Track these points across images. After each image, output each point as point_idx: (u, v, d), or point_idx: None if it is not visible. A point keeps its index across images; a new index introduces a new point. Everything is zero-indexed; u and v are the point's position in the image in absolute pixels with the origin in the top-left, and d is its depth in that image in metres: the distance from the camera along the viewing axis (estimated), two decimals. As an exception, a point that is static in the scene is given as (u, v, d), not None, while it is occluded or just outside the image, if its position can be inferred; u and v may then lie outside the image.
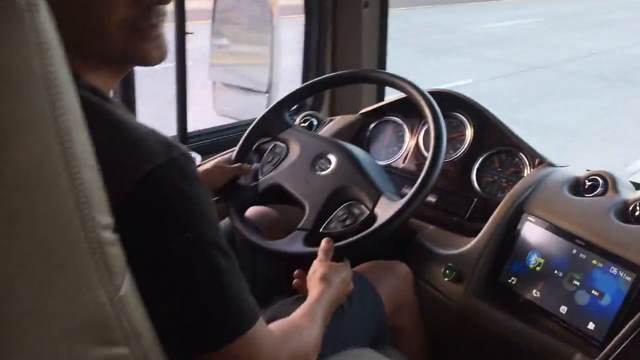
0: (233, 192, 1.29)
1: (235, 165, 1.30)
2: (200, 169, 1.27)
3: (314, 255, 1.06)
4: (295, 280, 1.08)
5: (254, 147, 1.40)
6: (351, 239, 1.10)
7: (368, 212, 1.15)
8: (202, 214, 0.67)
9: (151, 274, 0.63)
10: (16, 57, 0.47)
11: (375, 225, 1.11)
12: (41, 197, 0.51)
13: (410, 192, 1.12)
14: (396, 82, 1.29)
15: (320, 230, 1.17)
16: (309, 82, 1.46)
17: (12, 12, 0.47)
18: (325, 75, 1.46)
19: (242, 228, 1.21)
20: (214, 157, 1.55)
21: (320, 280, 0.98)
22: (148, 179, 0.63)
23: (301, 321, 0.87)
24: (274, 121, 1.37)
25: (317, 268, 1.01)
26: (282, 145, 1.33)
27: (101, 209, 0.57)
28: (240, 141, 1.36)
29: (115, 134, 0.64)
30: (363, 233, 1.10)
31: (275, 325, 0.81)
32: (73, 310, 0.56)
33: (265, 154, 1.35)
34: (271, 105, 1.41)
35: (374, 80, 1.53)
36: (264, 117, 1.38)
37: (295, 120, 1.69)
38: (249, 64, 1.96)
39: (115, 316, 0.59)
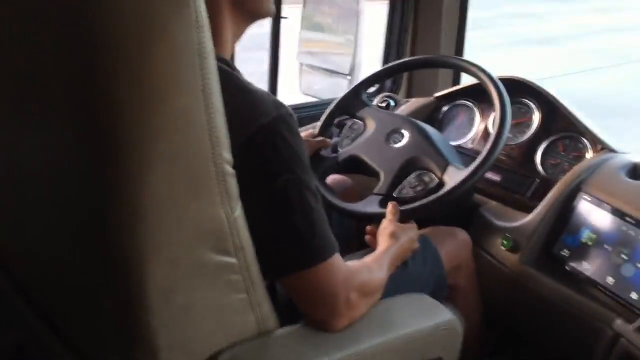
0: (316, 162, 1.44)
1: (319, 138, 1.47)
2: None
3: (405, 216, 1.22)
4: (367, 236, 1.24)
5: (335, 122, 1.56)
6: (420, 202, 1.25)
7: (437, 179, 1.29)
8: (300, 160, 0.84)
9: (257, 202, 0.81)
10: (181, 33, 0.65)
11: (442, 191, 1.25)
12: (188, 135, 0.69)
13: (475, 162, 1.25)
14: (468, 67, 1.42)
15: (394, 194, 1.31)
16: (385, 66, 1.61)
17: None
18: (400, 60, 1.61)
19: (325, 191, 1.38)
20: (300, 129, 1.73)
21: (389, 235, 1.14)
22: (263, 128, 0.81)
23: (370, 263, 1.03)
24: (354, 101, 1.53)
25: (386, 225, 1.17)
26: (360, 122, 1.49)
27: (225, 147, 0.75)
28: (323, 117, 1.53)
29: (239, 93, 0.83)
30: (431, 197, 1.25)
31: (349, 263, 0.97)
32: (202, 222, 0.74)
33: (345, 129, 1.51)
34: (352, 87, 1.56)
35: (447, 65, 1.64)
36: (344, 97, 1.54)
37: (374, 101, 1.84)
38: (334, 52, 2.12)
39: (229, 232, 0.77)
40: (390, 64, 1.60)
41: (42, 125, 0.74)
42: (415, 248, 1.19)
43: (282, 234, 0.84)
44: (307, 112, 1.97)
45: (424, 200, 1.25)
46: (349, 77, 2.07)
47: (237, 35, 0.96)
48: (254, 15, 0.96)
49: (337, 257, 0.89)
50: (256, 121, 0.82)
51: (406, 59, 1.62)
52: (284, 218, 0.84)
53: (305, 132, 1.50)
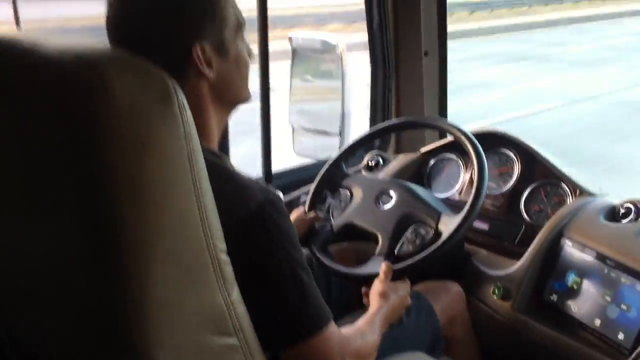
0: (313, 236, 1.51)
1: (311, 214, 1.55)
2: None
3: (397, 274, 1.27)
4: (364, 298, 1.31)
5: (322, 196, 1.63)
6: (423, 254, 1.30)
7: (433, 230, 1.36)
8: (289, 238, 0.92)
9: (251, 282, 0.88)
10: (170, 141, 0.74)
11: (442, 239, 1.31)
12: (184, 233, 0.77)
13: (465, 207, 1.32)
14: (442, 126, 1.52)
15: (395, 252, 1.37)
16: (361, 135, 1.69)
17: (170, 112, 0.73)
18: (375, 128, 1.70)
19: (327, 260, 1.43)
20: (293, 193, 1.82)
21: (379, 295, 1.21)
22: (252, 214, 0.89)
23: (363, 327, 1.10)
24: (336, 172, 1.62)
25: (377, 286, 1.24)
26: (346, 191, 1.57)
27: (219, 238, 0.82)
28: (309, 194, 1.61)
29: (227, 182, 0.91)
30: (432, 247, 1.31)
31: (343, 330, 1.04)
32: (202, 308, 0.81)
33: (332, 201, 1.59)
34: (330, 161, 1.64)
35: (424, 126, 1.73)
36: (327, 171, 1.62)
37: (364, 159, 1.94)
38: (322, 112, 2.22)
39: (228, 314, 0.84)
40: (365, 133, 1.69)
41: (50, 221, 0.82)
42: (408, 304, 1.25)
43: (277, 309, 0.91)
44: (303, 174, 2.05)
45: (426, 252, 1.31)
46: (339, 137, 2.17)
47: (222, 122, 1.04)
48: (234, 103, 1.05)
49: (331, 326, 0.96)
50: (245, 207, 0.90)
51: (380, 125, 1.70)
52: (278, 294, 0.91)
53: (296, 211, 1.57)
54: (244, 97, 1.06)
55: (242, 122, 1.23)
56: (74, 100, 0.70)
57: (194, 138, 0.77)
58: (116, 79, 0.69)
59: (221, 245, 0.82)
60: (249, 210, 0.90)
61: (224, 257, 0.83)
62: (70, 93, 0.71)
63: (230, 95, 1.03)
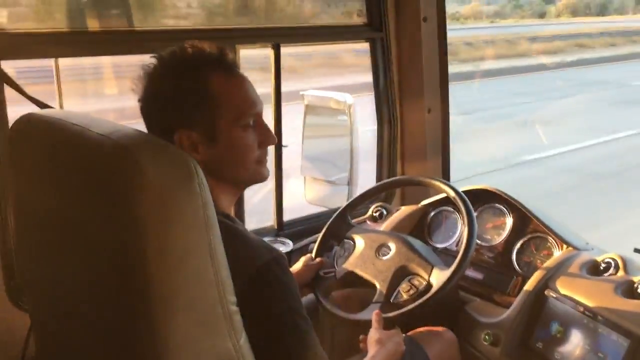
0: (318, 282, 1.65)
1: (317, 260, 1.69)
2: (294, 268, 1.65)
3: (389, 321, 1.41)
4: (361, 344, 1.44)
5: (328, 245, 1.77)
6: (415, 304, 1.43)
7: (425, 282, 1.49)
8: (291, 292, 1.07)
9: (257, 330, 1.02)
10: (191, 212, 0.89)
11: (432, 291, 1.44)
12: (201, 287, 0.92)
13: (455, 262, 1.46)
14: (435, 184, 1.66)
15: (391, 300, 1.51)
16: (364, 191, 1.84)
17: (192, 188, 0.89)
18: (372, 187, 1.85)
19: (329, 305, 1.57)
20: (302, 242, 1.97)
21: (375, 342, 1.33)
22: (259, 270, 1.04)
23: None
24: (341, 224, 1.76)
25: (372, 334, 1.37)
26: (350, 241, 1.71)
27: (230, 292, 0.97)
28: (317, 242, 1.75)
29: (238, 242, 1.06)
30: (423, 298, 1.44)
31: None
32: (214, 352, 0.95)
33: (337, 249, 1.73)
34: (337, 212, 1.78)
35: (420, 184, 1.83)
36: (333, 222, 1.77)
37: (369, 210, 2.08)
38: (332, 163, 2.38)
39: (236, 356, 0.98)
40: (367, 190, 1.84)
41: (92, 270, 0.97)
42: (402, 350, 1.38)
43: (280, 355, 1.05)
44: (315, 222, 2.19)
45: (418, 302, 1.45)
46: (348, 186, 2.33)
47: (232, 195, 1.20)
48: (236, 183, 1.18)
49: None
50: (253, 265, 1.04)
51: (380, 183, 1.88)
52: (280, 342, 1.05)
53: (304, 258, 1.71)
54: (245, 179, 1.19)
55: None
56: (112, 181, 0.87)
57: (210, 207, 0.92)
58: (148, 164, 0.85)
59: (231, 298, 0.97)
60: (257, 267, 1.04)
61: (234, 308, 0.97)
62: (109, 173, 0.88)
63: (227, 176, 1.16)
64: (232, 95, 1.13)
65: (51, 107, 1.25)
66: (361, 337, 1.43)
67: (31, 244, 1.11)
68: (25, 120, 1.08)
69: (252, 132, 1.15)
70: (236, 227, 1.11)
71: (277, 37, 1.97)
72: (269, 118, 1.72)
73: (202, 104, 1.11)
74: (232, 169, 1.15)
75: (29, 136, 1.07)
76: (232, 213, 1.21)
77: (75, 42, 1.62)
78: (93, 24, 1.67)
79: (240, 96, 1.14)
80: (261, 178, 1.20)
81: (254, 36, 1.98)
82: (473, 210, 1.55)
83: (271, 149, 2.04)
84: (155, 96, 1.12)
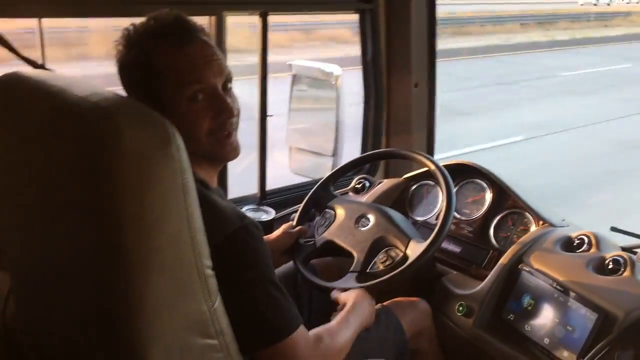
0: (298, 250, 1.68)
1: (297, 229, 1.71)
2: (274, 234, 1.68)
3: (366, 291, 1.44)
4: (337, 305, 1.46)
5: (310, 214, 1.80)
6: (390, 275, 1.46)
7: (402, 254, 1.52)
8: (262, 260, 1.09)
9: (230, 294, 1.04)
10: (168, 176, 0.90)
11: (407, 263, 1.47)
12: (177, 251, 0.93)
13: (431, 236, 1.48)
14: (417, 158, 1.68)
15: (367, 270, 1.54)
16: (348, 161, 1.86)
17: (169, 153, 0.89)
18: (354, 159, 1.87)
19: (308, 274, 1.60)
20: (285, 211, 1.99)
21: (353, 297, 1.38)
22: (230, 237, 1.06)
23: (335, 326, 1.26)
24: (323, 194, 1.78)
25: (350, 293, 1.41)
26: (331, 211, 1.74)
27: (206, 256, 0.98)
28: (299, 211, 1.77)
29: (211, 209, 1.07)
30: (398, 269, 1.47)
31: (314, 331, 1.20)
32: (189, 314, 0.98)
33: (318, 219, 1.75)
34: (319, 182, 1.81)
35: (402, 157, 1.85)
36: (315, 191, 1.79)
37: (352, 182, 2.10)
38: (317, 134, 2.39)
39: (211, 320, 1.00)
40: (350, 161, 1.87)
41: (67, 236, 0.99)
42: (374, 311, 1.41)
43: (251, 318, 1.08)
44: (297, 192, 2.22)
45: (393, 272, 1.48)
46: (332, 157, 2.34)
47: (211, 167, 1.21)
48: (204, 156, 1.16)
49: (300, 330, 1.12)
50: (224, 231, 1.07)
51: (363, 154, 1.90)
52: (251, 306, 1.08)
53: (284, 225, 1.73)
54: (205, 153, 1.15)
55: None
56: (90, 142, 0.87)
57: (187, 172, 0.93)
58: (126, 127, 0.86)
59: (207, 262, 0.99)
60: (227, 233, 1.07)
61: (209, 272, 0.99)
62: (87, 136, 0.88)
63: (188, 149, 1.00)
64: (174, 67, 1.11)
65: (48, 69, 1.24)
66: (333, 295, 1.46)
67: (8, 205, 1.12)
68: (6, 79, 1.08)
69: (203, 104, 1.13)
70: (207, 194, 1.11)
71: (265, 4, 1.96)
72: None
73: (146, 77, 1.12)
74: (186, 143, 1.11)
75: (11, 95, 1.07)
76: (214, 184, 1.22)
77: (59, 2, 1.60)
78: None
79: (182, 68, 1.11)
80: (223, 153, 1.18)
81: (242, 3, 1.96)
82: (452, 185, 1.58)
83: (255, 119, 2.08)
84: (121, 66, 1.15)
